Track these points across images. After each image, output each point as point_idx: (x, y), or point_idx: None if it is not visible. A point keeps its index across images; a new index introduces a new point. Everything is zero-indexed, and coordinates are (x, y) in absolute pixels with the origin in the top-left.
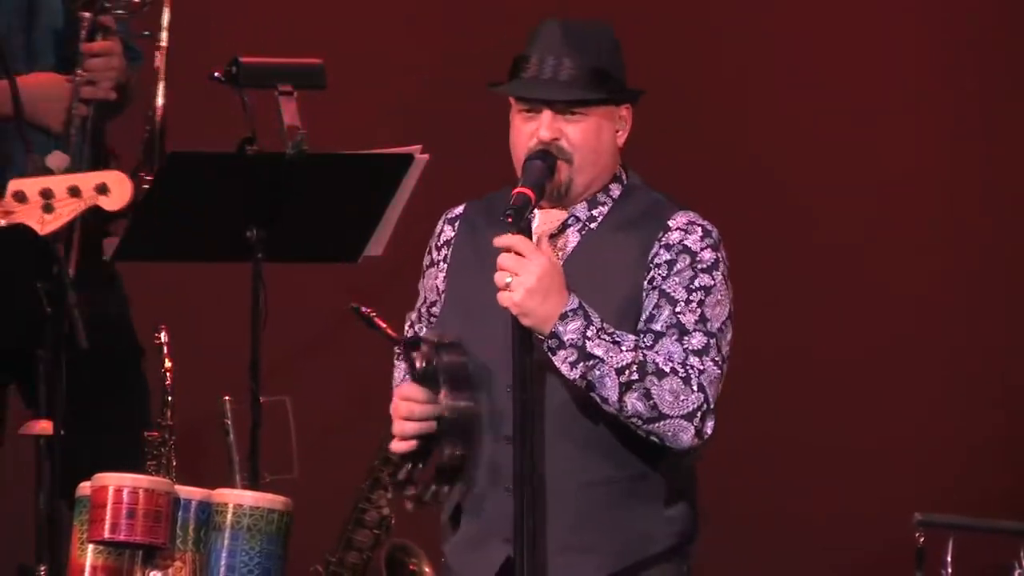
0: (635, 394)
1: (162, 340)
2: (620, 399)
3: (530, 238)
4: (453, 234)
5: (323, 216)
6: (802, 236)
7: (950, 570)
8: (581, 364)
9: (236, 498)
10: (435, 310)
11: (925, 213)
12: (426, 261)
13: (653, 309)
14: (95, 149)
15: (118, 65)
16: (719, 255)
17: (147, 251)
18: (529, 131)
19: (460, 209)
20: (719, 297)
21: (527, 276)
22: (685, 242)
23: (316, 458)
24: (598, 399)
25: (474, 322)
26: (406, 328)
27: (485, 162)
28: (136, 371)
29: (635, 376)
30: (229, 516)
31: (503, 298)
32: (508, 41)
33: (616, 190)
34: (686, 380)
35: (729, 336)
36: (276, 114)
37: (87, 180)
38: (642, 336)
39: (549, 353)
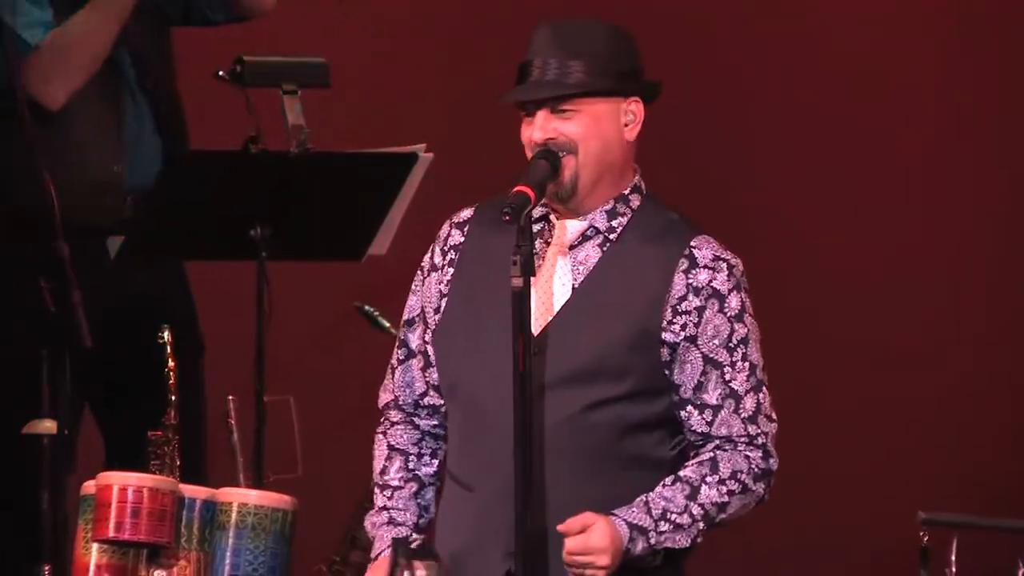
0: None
1: (165, 339)
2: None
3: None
4: (463, 239)
5: (327, 215)
6: (807, 232)
7: (954, 569)
8: (651, 551)
9: (240, 497)
10: (437, 318)
11: (935, 214)
12: (426, 265)
13: (701, 376)
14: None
15: None
16: (743, 295)
17: (151, 250)
18: (530, 134)
19: (468, 213)
20: (753, 340)
21: (600, 558)
22: (713, 283)
23: (320, 457)
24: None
25: (481, 329)
26: (396, 359)
27: (489, 161)
28: (195, 366)
29: (702, 528)
30: (233, 515)
31: None
32: (513, 41)
33: (636, 200)
34: (744, 489)
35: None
36: (280, 113)
37: None
38: (696, 410)
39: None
